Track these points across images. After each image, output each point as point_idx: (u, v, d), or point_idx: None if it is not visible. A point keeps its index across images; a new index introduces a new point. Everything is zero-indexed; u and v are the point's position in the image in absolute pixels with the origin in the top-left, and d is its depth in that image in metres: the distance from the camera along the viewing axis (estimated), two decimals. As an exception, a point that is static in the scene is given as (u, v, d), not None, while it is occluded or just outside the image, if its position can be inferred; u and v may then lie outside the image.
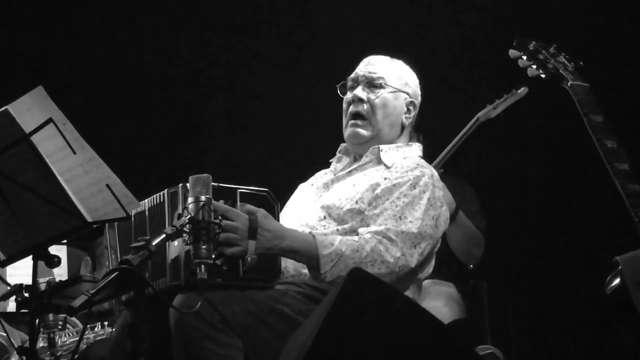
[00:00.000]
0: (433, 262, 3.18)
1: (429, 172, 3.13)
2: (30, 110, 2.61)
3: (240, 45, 5.47)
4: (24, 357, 2.61)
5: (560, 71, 3.26)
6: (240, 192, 2.86)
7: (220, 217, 2.73)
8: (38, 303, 2.65)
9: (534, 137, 4.90)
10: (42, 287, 2.71)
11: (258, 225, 2.79)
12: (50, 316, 3.19)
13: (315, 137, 3.65)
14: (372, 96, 3.23)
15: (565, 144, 4.68)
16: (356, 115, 3.24)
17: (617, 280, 2.83)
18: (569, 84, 3.22)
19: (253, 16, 5.47)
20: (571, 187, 4.82)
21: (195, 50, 5.52)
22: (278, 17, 5.44)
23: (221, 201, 2.80)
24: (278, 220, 2.91)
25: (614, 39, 4.69)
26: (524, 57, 3.33)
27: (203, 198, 2.64)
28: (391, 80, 3.25)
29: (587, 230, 4.72)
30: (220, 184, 2.82)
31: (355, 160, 3.30)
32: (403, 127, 3.29)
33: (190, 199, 2.65)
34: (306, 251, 2.88)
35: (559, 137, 4.73)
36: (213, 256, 2.68)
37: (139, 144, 5.41)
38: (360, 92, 3.24)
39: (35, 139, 2.59)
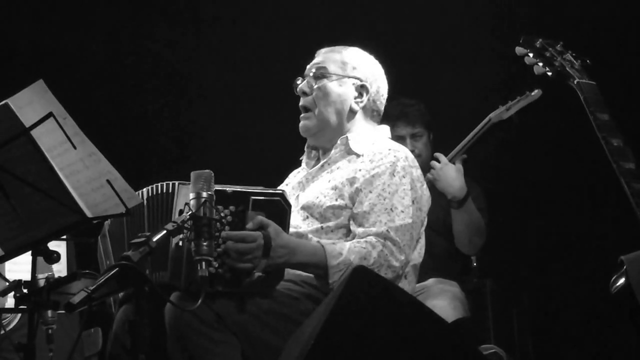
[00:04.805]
0: (423, 242, 3.17)
1: (403, 155, 3.12)
2: (31, 104, 2.59)
3: (235, 42, 5.45)
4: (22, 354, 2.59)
5: (567, 69, 3.24)
6: (253, 199, 2.82)
7: (220, 214, 2.72)
8: (37, 299, 2.63)
9: (540, 135, 4.87)
10: (41, 283, 2.69)
11: (272, 243, 2.78)
12: (49, 312, 3.18)
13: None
14: (315, 87, 3.23)
15: (571, 142, 4.66)
16: (303, 108, 3.26)
17: (622, 280, 2.81)
18: (575, 82, 3.19)
19: (249, 16, 5.44)
20: (577, 187, 4.80)
21: (190, 48, 5.50)
22: (277, 16, 5.41)
23: (231, 207, 2.78)
24: (289, 225, 2.90)
25: (620, 37, 4.67)
26: (531, 55, 3.30)
27: (205, 194, 2.62)
28: (332, 68, 3.24)
29: (592, 230, 4.70)
30: (234, 189, 2.79)
31: (325, 153, 3.27)
32: (355, 112, 3.25)
33: (191, 195, 2.63)
34: (315, 263, 2.89)
35: (565, 135, 4.70)
36: (216, 265, 2.67)
37: (139, 139, 5.39)
38: (303, 85, 3.26)
39: (35, 133, 2.57)
